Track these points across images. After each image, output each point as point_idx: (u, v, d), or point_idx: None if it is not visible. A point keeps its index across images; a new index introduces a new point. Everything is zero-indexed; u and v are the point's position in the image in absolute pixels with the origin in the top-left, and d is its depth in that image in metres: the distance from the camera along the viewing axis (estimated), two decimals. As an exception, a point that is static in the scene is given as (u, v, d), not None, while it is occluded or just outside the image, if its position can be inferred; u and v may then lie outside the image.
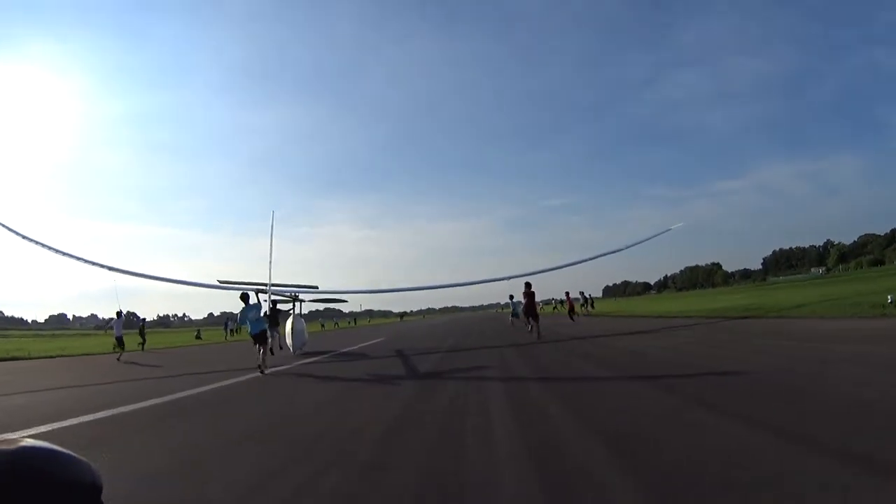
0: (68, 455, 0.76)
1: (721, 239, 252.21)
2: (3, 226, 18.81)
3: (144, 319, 36.11)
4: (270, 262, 19.49)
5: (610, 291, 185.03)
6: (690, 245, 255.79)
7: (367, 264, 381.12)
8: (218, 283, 20.77)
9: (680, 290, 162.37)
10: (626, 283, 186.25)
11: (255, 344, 12.61)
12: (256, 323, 12.82)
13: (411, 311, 69.77)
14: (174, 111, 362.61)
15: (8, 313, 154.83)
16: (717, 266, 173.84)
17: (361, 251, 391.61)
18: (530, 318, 17.65)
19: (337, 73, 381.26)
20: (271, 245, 20.30)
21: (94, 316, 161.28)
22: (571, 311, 28.71)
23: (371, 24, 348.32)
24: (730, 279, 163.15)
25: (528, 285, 17.99)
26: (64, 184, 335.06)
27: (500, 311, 73.91)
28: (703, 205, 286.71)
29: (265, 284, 18.69)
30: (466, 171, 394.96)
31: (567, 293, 30.74)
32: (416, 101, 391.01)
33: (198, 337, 42.47)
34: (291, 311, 20.15)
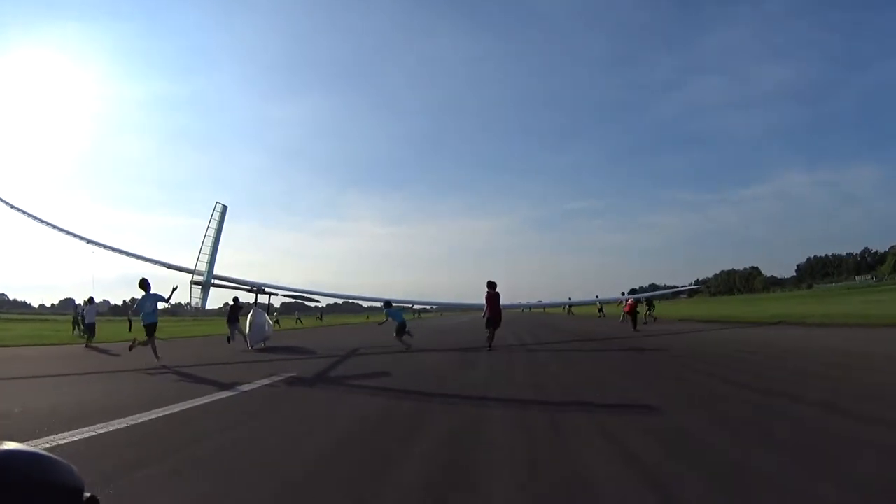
0: (49, 458, 0.75)
1: (744, 245, 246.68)
2: None
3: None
4: (213, 254, 18.57)
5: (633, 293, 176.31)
6: (713, 250, 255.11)
7: (388, 261, 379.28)
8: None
9: (714, 294, 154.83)
10: (653, 287, 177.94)
11: (147, 335, 12.47)
12: (150, 315, 12.51)
13: (431, 308, 63.89)
14: (198, 100, 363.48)
15: (18, 298, 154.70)
16: (756, 270, 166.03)
17: (383, 247, 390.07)
18: (491, 327, 14.94)
19: (362, 68, 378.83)
20: (214, 235, 18.81)
21: (105, 301, 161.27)
22: (635, 317, 21.78)
23: (396, 21, 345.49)
24: (770, 285, 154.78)
25: (491, 285, 15.36)
26: (87, 171, 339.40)
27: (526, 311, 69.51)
28: (725, 210, 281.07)
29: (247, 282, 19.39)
30: (489, 171, 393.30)
31: (623, 293, 25.68)
32: (440, 98, 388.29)
33: None
34: (254, 305, 18.82)
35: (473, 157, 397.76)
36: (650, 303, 30.83)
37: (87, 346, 18.68)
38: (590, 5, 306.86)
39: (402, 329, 15.47)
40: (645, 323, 25.64)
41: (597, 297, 41.10)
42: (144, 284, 12.56)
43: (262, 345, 16.82)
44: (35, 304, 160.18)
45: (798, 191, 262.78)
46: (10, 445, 0.73)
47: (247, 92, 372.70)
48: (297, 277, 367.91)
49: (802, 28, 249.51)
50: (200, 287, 17.87)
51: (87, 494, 0.79)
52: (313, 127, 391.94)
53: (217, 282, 18.63)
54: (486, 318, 15.22)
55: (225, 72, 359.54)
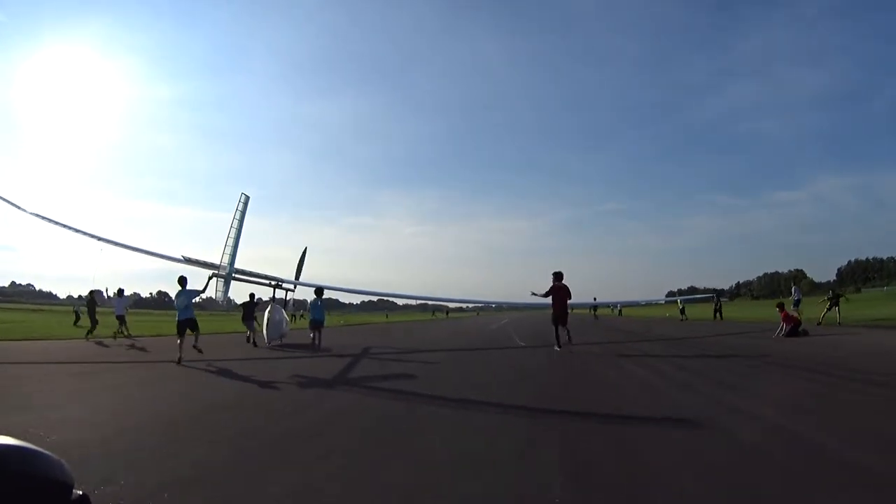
0: (38, 452, 0.75)
1: (779, 248, 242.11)
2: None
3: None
4: (236, 246, 18.20)
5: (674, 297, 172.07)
6: (749, 253, 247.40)
7: (422, 259, 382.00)
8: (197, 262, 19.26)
9: (756, 297, 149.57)
10: (692, 289, 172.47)
11: (177, 331, 12.35)
12: (185, 310, 12.53)
13: (466, 307, 62.69)
14: (232, 98, 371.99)
15: (44, 288, 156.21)
16: (801, 273, 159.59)
17: (417, 245, 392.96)
18: (558, 324, 13.67)
19: (396, 67, 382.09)
20: (237, 227, 18.44)
21: (136, 294, 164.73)
22: (796, 326, 15.97)
23: (431, 20, 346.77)
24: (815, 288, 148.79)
25: (557, 276, 13.76)
26: (120, 167, 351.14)
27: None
28: (760, 214, 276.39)
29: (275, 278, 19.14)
30: (524, 171, 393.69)
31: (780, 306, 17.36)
32: (474, 98, 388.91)
33: None
34: (272, 301, 18.64)
35: (508, 157, 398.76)
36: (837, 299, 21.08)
37: (117, 336, 18.63)
38: (623, 6, 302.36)
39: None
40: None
41: (679, 296, 38.41)
42: (182, 281, 12.59)
43: (279, 342, 16.62)
44: (62, 296, 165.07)
45: (833, 195, 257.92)
46: (1, 439, 0.73)
47: (281, 90, 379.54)
48: (327, 273, 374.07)
49: (837, 31, 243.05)
50: (223, 280, 17.44)
51: (79, 492, 0.78)
52: (348, 125, 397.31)
53: (237, 275, 18.17)
54: (552, 314, 14.10)
55: (259, 70, 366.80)
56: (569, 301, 14.07)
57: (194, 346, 12.43)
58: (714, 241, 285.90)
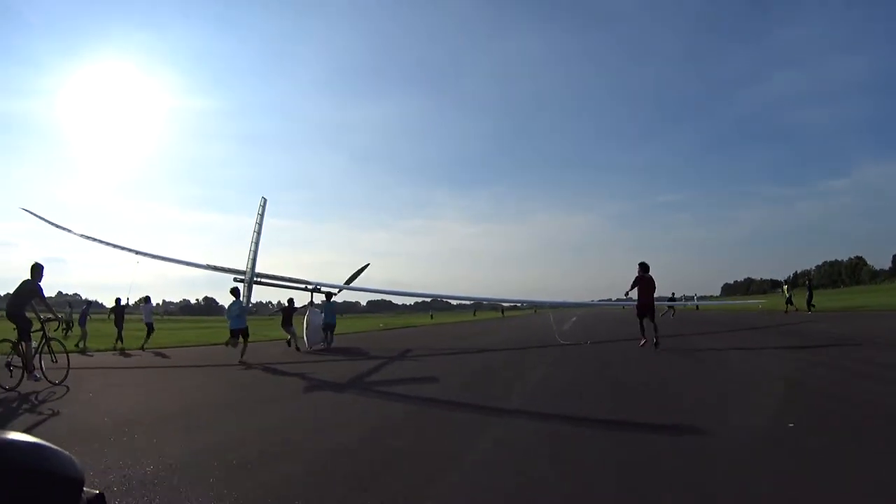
0: (50, 448, 0.74)
1: (830, 237, 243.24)
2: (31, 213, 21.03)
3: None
4: (256, 251, 18.00)
5: (730, 290, 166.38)
6: (801, 243, 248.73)
7: (474, 258, 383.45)
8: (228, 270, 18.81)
9: (816, 287, 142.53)
10: (749, 281, 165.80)
11: (230, 338, 13.23)
12: (236, 319, 13.23)
13: (522, 304, 60.69)
14: (278, 105, 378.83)
15: (90, 297, 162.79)
16: (861, 261, 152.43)
17: (471, 245, 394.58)
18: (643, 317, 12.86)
19: (444, 68, 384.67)
20: (257, 230, 18.27)
21: (185, 301, 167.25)
22: None
23: (476, 21, 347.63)
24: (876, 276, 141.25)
25: (643, 267, 12.93)
26: (174, 176, 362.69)
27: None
28: (809, 203, 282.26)
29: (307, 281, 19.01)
30: (573, 168, 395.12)
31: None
32: (521, 97, 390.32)
33: None
34: (309, 305, 18.56)
35: (556, 154, 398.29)
36: None
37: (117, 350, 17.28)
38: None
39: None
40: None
41: (785, 284, 33.88)
42: (235, 292, 13.94)
43: (320, 346, 16.63)
44: (108, 304, 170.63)
45: (878, 181, 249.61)
46: (12, 434, 0.73)
47: (327, 95, 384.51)
48: (381, 275, 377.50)
49: (875, 17, 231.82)
50: (246, 285, 16.98)
51: (95, 492, 0.78)
52: (397, 128, 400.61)
53: (262, 280, 17.91)
54: (637, 306, 13.23)
55: (304, 76, 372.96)
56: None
57: (240, 360, 12.45)
58: (764, 232, 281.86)
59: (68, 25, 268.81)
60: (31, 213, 21.43)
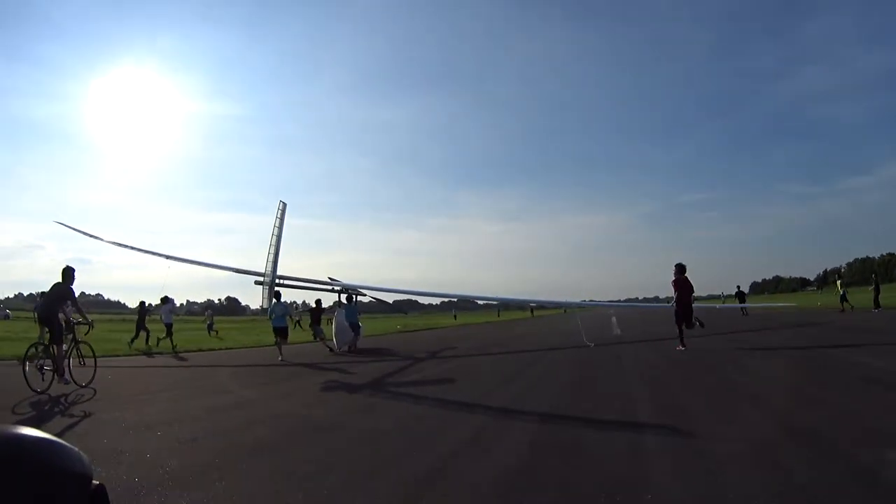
0: (58, 443, 0.74)
1: (856, 235, 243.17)
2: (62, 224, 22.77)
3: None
4: (276, 253, 17.56)
5: (759, 288, 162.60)
6: (829, 240, 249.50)
7: (501, 257, 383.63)
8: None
9: (848, 285, 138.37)
10: (777, 279, 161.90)
11: (276, 337, 14.61)
12: (279, 319, 14.67)
13: (549, 304, 60.65)
14: (304, 108, 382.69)
15: (112, 298, 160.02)
16: (894, 258, 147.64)
17: (497, 244, 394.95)
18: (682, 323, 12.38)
19: (470, 69, 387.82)
20: (277, 234, 17.74)
21: (209, 301, 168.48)
22: None
23: (502, 19, 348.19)
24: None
25: (680, 268, 12.71)
26: (200, 179, 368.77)
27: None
28: (835, 201, 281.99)
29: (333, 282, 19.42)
30: (599, 167, 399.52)
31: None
32: (547, 96, 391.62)
33: None
34: (337, 307, 18.36)
35: (582, 154, 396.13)
36: None
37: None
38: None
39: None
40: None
41: (838, 279, 29.66)
42: (277, 295, 15.42)
43: (347, 347, 16.57)
44: (131, 305, 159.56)
45: None
46: (22, 429, 0.73)
47: (354, 97, 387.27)
48: (409, 275, 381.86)
49: None
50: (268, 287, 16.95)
51: (96, 483, 0.77)
52: (423, 129, 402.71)
53: (286, 282, 17.81)
54: (675, 311, 12.59)
55: (329, 79, 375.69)
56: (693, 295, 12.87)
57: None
58: (791, 230, 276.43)
59: (90, 30, 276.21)
60: (64, 224, 22.60)
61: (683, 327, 12.43)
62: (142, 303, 19.78)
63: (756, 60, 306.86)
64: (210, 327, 29.35)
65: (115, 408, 7.04)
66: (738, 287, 32.45)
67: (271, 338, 15.33)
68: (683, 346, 11.96)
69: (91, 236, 22.93)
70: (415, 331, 33.21)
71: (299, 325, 27.70)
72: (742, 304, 29.64)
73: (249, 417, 6.52)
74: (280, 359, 13.50)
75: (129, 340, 17.78)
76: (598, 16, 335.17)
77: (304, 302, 20.51)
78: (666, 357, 11.08)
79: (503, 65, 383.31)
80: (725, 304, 40.71)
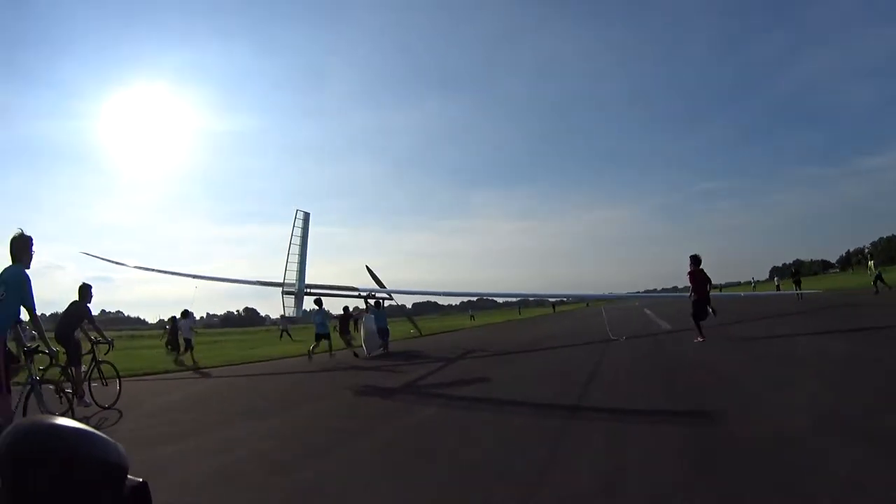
0: (97, 435, 0.76)
1: (876, 215, 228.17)
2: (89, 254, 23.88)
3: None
4: (302, 263, 17.40)
5: (779, 273, 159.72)
6: (847, 223, 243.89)
7: (519, 256, 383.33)
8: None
9: (882, 264, 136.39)
10: (798, 263, 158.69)
11: (317, 340, 16.26)
12: (321, 325, 16.52)
13: (567, 299, 59.40)
14: (316, 116, 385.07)
15: (132, 314, 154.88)
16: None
17: (514, 243, 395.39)
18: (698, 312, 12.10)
19: (477, 70, 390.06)
20: (300, 243, 17.46)
21: (228, 312, 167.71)
22: None
23: (508, 20, 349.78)
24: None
25: (695, 260, 12.45)
26: (213, 192, 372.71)
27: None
28: (853, 182, 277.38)
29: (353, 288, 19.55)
30: (612, 162, 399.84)
31: None
32: (557, 93, 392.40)
33: None
34: (364, 312, 18.13)
35: (595, 149, 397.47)
36: None
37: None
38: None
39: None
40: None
41: (870, 260, 28.32)
42: (318, 302, 16.68)
43: (380, 351, 16.69)
44: (152, 321, 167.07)
45: None
46: (57, 420, 0.75)
47: (365, 103, 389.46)
48: (426, 277, 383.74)
49: None
50: (294, 297, 17.01)
51: (139, 479, 0.79)
52: (435, 131, 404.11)
53: (312, 290, 17.92)
54: (692, 302, 12.42)
55: (340, 87, 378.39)
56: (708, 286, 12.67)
57: (330, 353, 16.23)
58: (808, 214, 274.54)
59: (101, 47, 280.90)
60: (91, 254, 23.46)
61: (700, 319, 12.17)
62: (173, 317, 19.96)
63: (763, 46, 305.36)
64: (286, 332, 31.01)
65: (140, 429, 6.49)
66: (794, 269, 30.65)
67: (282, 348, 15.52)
68: (702, 337, 11.63)
69: (117, 263, 24.06)
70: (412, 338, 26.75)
71: (288, 334, 28.39)
72: (799, 293, 27.60)
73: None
74: (331, 354, 15.98)
75: (174, 358, 18.26)
76: (605, 12, 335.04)
77: (355, 306, 20.44)
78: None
79: (513, 65, 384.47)
80: (755, 292, 39.62)
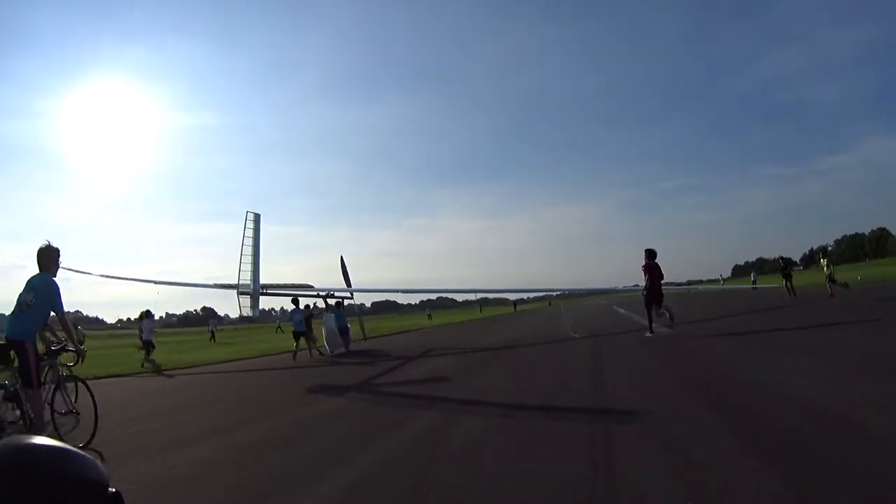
0: (74, 452, 0.76)
1: (835, 214, 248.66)
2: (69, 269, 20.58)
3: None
4: (255, 264, 17.33)
5: (742, 271, 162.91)
6: (809, 221, 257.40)
7: (484, 254, 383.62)
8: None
9: (836, 263, 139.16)
10: (761, 261, 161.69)
11: (295, 339, 16.54)
12: (298, 324, 16.44)
13: (528, 298, 60.37)
14: (279, 114, 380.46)
15: (91, 314, 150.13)
16: (885, 232, 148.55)
17: (475, 241, 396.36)
18: (652, 305, 12.38)
19: (441, 67, 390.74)
20: (253, 244, 17.35)
21: (187, 312, 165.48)
22: None
23: (471, 17, 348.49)
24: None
25: (650, 254, 12.65)
26: (179, 190, 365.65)
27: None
28: (814, 181, 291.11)
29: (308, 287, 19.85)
30: (576, 159, 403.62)
31: None
32: (520, 91, 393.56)
33: None
34: (325, 311, 18.27)
35: (558, 146, 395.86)
36: None
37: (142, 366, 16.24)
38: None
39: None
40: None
41: (823, 258, 27.24)
42: (295, 301, 17.24)
43: (342, 350, 16.89)
44: (110, 321, 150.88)
45: (880, 157, 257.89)
46: (34, 438, 0.74)
47: (328, 101, 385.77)
48: (389, 275, 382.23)
49: None
50: (249, 297, 16.95)
51: (112, 490, 0.78)
52: (398, 129, 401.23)
53: (270, 291, 18.22)
54: (644, 295, 12.85)
55: (303, 85, 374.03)
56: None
57: (318, 350, 16.59)
58: (770, 212, 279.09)
59: (61, 44, 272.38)
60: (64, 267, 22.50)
61: (654, 313, 12.42)
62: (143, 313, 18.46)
63: (728, 45, 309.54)
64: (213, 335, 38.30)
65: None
66: (782, 261, 28.83)
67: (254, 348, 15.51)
68: (652, 332, 11.93)
69: (80, 272, 24.10)
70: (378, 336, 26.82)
71: (281, 329, 28.25)
72: (789, 287, 25.73)
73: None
74: (316, 353, 16.19)
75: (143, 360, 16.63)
76: (568, 7, 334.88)
77: (314, 304, 20.27)
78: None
79: (474, 63, 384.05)
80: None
